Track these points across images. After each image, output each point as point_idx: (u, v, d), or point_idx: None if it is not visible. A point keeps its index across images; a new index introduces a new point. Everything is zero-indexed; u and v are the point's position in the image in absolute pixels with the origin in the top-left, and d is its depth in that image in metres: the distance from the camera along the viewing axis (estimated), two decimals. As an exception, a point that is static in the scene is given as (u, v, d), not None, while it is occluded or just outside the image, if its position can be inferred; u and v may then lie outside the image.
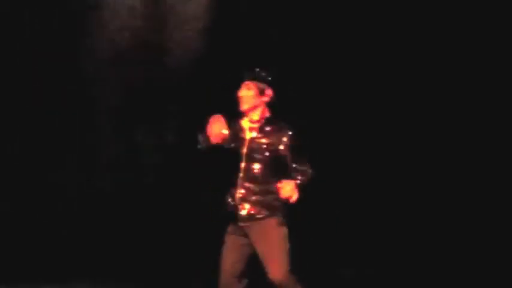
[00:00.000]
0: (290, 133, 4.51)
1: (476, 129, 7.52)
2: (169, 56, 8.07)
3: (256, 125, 4.54)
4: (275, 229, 4.50)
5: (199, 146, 4.55)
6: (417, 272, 7.36)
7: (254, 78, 4.52)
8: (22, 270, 7.43)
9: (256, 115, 4.54)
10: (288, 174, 4.47)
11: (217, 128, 4.40)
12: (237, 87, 4.62)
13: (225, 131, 4.43)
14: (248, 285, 4.64)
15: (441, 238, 7.49)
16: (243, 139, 4.54)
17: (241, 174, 4.52)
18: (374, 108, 7.72)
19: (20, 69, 8.03)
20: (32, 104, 8.06)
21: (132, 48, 8.06)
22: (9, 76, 8.04)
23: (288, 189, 4.34)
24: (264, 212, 4.51)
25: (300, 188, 4.42)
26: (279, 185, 4.36)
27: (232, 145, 4.56)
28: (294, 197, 4.37)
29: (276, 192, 4.41)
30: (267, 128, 4.53)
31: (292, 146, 4.50)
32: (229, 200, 4.57)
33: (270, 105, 4.59)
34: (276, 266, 4.44)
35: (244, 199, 4.52)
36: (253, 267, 4.70)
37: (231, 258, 4.56)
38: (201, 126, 4.51)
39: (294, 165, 4.49)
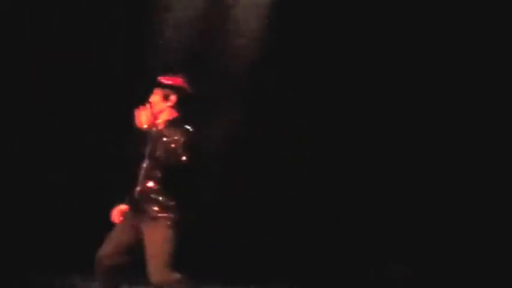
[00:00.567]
0: (184, 131, 4.84)
1: (476, 129, 7.53)
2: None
3: (160, 127, 4.91)
4: (163, 229, 4.75)
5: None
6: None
7: (159, 85, 4.96)
8: (22, 271, 7.43)
9: (161, 118, 4.93)
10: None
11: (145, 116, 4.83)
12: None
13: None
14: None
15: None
16: (148, 139, 4.91)
17: (142, 172, 4.87)
18: (375, 109, 7.73)
19: (20, 69, 8.03)
20: (32, 104, 8.06)
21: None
22: (9, 76, 8.04)
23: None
24: (157, 211, 4.79)
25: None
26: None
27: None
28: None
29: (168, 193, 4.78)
30: (167, 130, 4.87)
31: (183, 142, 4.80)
32: (130, 195, 4.90)
33: (177, 108, 4.95)
34: (154, 266, 4.71)
35: (142, 196, 4.84)
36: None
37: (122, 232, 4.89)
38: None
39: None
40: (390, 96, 7.73)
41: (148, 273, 4.73)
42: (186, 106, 4.95)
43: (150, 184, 4.82)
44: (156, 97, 4.94)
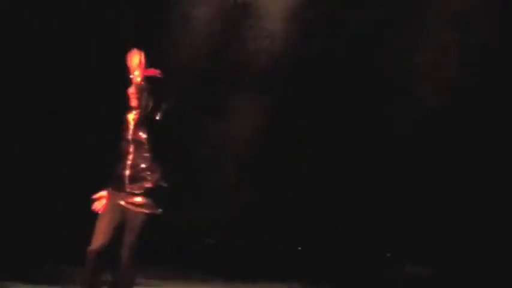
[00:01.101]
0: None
1: (475, 129, 7.54)
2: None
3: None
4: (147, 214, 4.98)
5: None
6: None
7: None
8: (22, 270, 7.44)
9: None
10: None
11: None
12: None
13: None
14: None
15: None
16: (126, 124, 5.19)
17: (131, 156, 5.08)
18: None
19: (20, 69, 8.03)
20: (32, 104, 8.07)
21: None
22: (9, 76, 8.04)
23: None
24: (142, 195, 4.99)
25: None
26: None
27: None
28: None
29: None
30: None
31: None
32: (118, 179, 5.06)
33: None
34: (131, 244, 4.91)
35: (133, 178, 5.03)
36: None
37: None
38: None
39: None
40: (390, 97, 7.73)
41: (121, 248, 4.88)
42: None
43: (142, 166, 5.00)
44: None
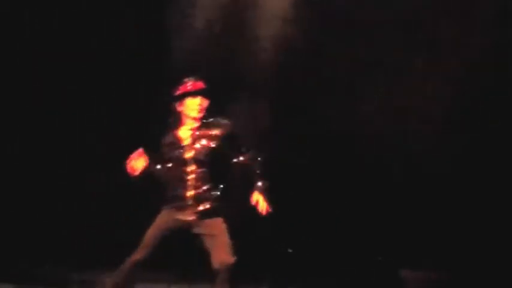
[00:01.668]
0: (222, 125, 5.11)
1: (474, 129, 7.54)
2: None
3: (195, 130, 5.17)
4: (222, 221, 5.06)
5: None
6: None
7: (190, 93, 5.15)
8: (22, 270, 7.43)
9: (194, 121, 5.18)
10: None
11: (140, 164, 5.08)
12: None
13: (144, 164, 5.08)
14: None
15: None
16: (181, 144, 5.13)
17: (193, 176, 5.07)
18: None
19: (20, 69, 8.03)
20: (32, 104, 8.07)
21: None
22: (9, 76, 8.04)
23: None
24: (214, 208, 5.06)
25: None
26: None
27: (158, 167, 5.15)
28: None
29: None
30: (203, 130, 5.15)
31: None
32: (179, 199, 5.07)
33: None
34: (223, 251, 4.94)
35: (196, 199, 5.06)
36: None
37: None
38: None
39: None
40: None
41: (214, 259, 4.90)
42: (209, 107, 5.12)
43: (204, 187, 5.02)
44: (191, 103, 5.10)
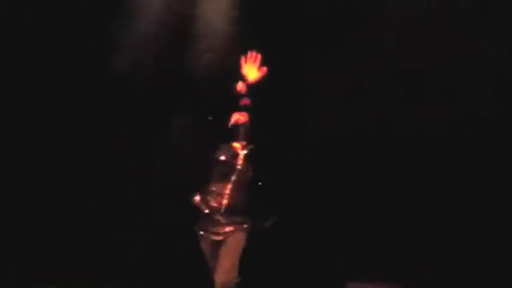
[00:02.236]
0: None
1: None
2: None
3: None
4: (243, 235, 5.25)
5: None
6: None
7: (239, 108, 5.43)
8: (22, 270, 7.44)
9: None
10: None
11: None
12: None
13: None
14: None
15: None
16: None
17: (231, 186, 5.25)
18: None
19: (20, 69, 8.02)
20: (32, 104, 8.06)
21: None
22: (9, 76, 8.03)
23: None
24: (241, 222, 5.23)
25: None
26: None
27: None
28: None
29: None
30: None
31: None
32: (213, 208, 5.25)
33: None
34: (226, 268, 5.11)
35: (230, 209, 5.24)
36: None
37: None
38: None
39: None
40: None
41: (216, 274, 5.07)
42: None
43: (239, 199, 5.20)
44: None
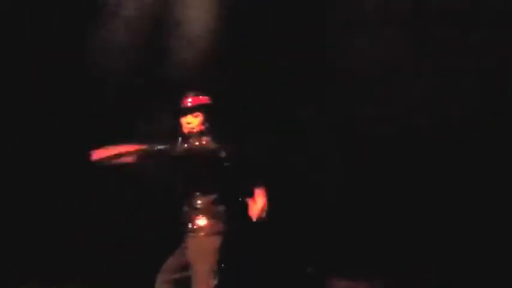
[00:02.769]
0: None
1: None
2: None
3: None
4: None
5: None
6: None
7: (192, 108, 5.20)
8: (22, 271, 7.44)
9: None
10: None
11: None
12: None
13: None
14: None
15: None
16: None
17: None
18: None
19: (20, 69, 8.02)
20: (32, 104, 8.06)
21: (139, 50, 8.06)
22: (9, 76, 8.03)
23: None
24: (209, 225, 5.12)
25: None
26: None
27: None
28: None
29: None
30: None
31: None
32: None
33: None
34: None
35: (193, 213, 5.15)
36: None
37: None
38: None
39: None
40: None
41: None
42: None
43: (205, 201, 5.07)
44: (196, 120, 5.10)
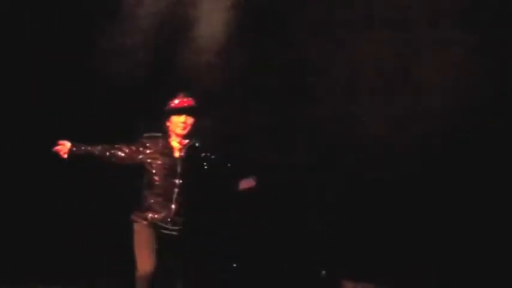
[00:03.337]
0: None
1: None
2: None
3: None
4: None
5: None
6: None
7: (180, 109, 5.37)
8: (22, 271, 7.44)
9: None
10: None
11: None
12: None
13: None
14: None
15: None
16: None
17: (177, 190, 5.20)
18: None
19: (20, 69, 8.02)
20: (32, 104, 8.06)
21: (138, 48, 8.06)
22: (9, 76, 8.03)
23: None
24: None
25: None
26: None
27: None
28: None
29: None
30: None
31: None
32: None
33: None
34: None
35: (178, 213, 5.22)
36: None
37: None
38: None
39: None
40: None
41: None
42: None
43: (186, 202, 5.17)
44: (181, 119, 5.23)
